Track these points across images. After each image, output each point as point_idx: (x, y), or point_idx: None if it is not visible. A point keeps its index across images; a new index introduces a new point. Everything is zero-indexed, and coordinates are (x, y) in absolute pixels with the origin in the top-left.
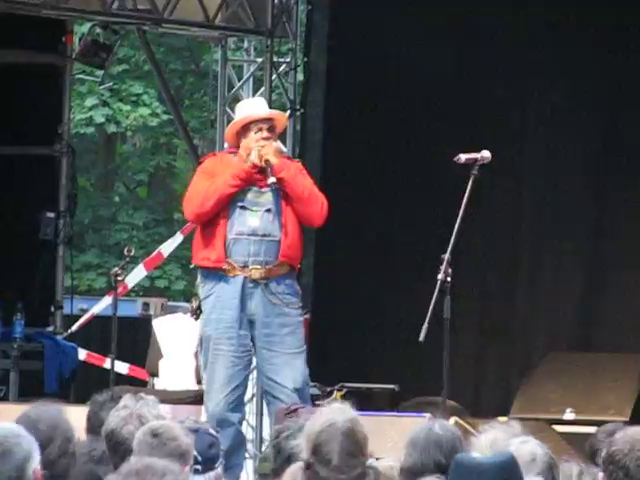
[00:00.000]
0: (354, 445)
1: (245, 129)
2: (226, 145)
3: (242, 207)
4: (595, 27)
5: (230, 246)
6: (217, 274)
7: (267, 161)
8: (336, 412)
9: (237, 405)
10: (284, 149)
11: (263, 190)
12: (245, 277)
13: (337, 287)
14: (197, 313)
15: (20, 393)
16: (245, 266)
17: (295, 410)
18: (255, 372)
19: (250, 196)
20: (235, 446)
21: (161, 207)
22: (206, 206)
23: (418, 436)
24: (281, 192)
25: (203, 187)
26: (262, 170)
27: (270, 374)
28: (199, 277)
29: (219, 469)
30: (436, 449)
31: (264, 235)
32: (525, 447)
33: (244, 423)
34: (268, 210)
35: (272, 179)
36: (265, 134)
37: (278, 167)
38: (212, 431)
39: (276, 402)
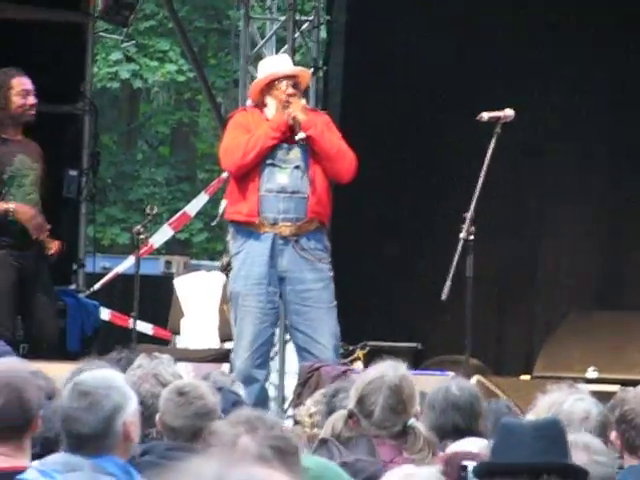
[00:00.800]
0: (398, 402)
1: (269, 86)
2: (249, 102)
3: (271, 164)
4: (595, 27)
5: (261, 202)
6: (248, 230)
7: (294, 118)
8: (388, 367)
9: (262, 362)
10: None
11: (291, 147)
12: (275, 234)
13: (358, 246)
14: (227, 269)
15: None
16: (275, 223)
17: (318, 368)
18: (278, 329)
19: (279, 153)
20: (259, 403)
21: (184, 165)
22: (247, 158)
23: (436, 397)
24: (309, 149)
25: (243, 139)
26: (290, 127)
27: (305, 329)
28: (230, 232)
29: (305, 423)
30: (454, 411)
31: (293, 192)
32: (579, 404)
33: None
34: (297, 167)
35: (301, 134)
36: (290, 90)
37: (306, 124)
38: (236, 389)
39: (310, 357)
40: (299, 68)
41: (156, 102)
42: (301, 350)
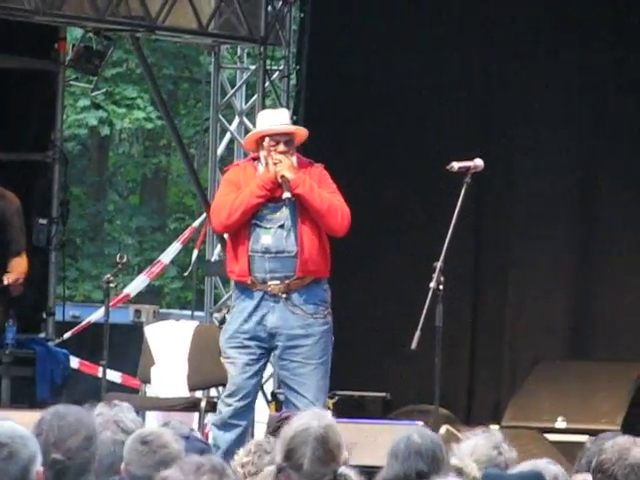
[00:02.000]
0: (326, 452)
1: (263, 139)
2: (219, 151)
3: (255, 224)
4: (595, 26)
5: (250, 263)
6: (243, 287)
7: (283, 177)
8: (312, 417)
9: (244, 412)
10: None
11: (278, 206)
12: (265, 292)
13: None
14: (222, 323)
15: (12, 399)
16: (264, 282)
17: (287, 417)
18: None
19: (265, 213)
20: (230, 451)
21: (155, 214)
22: (233, 218)
23: (398, 446)
24: (298, 206)
25: (230, 198)
26: (278, 185)
27: (292, 384)
28: (232, 286)
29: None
30: (417, 458)
31: (277, 252)
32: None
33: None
34: (281, 226)
35: (287, 194)
36: (281, 148)
37: (294, 182)
38: (202, 438)
39: (296, 410)
40: (294, 127)
41: (124, 150)
42: (289, 404)
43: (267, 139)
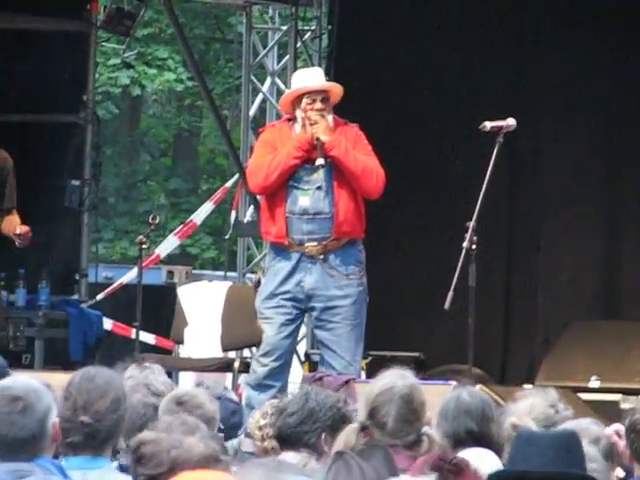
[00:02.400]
0: (411, 411)
1: (299, 100)
2: (252, 111)
3: (293, 186)
4: (593, 36)
5: (287, 224)
6: (279, 249)
7: (318, 139)
8: (396, 376)
9: (280, 372)
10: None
11: (315, 167)
12: (302, 253)
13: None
14: (259, 285)
15: (45, 361)
16: (301, 244)
17: (320, 378)
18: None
19: (302, 174)
20: None
21: (189, 176)
22: (270, 179)
23: (448, 405)
24: (333, 168)
25: (266, 159)
26: (314, 146)
27: (331, 344)
28: (268, 248)
29: (242, 436)
30: (466, 416)
31: (315, 214)
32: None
33: None
34: (319, 187)
35: (320, 161)
36: (318, 105)
37: (329, 145)
38: (235, 398)
39: (334, 372)
40: (329, 83)
41: (154, 111)
42: (326, 364)
43: (304, 98)
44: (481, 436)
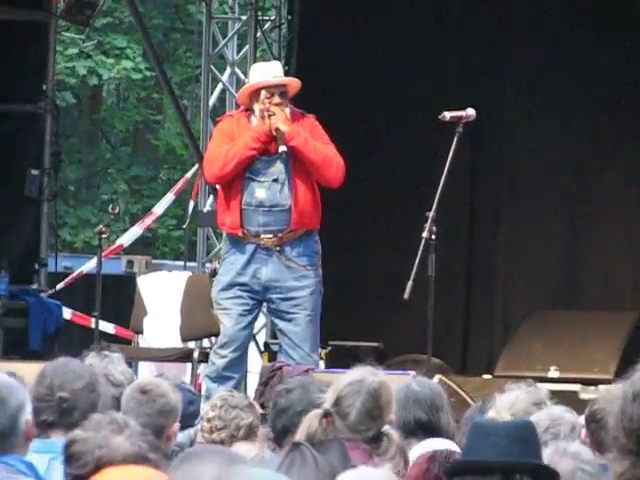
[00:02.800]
0: (376, 406)
1: (257, 93)
2: (211, 101)
3: (250, 178)
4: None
5: (242, 216)
6: (234, 239)
7: (277, 129)
8: (368, 372)
9: (238, 363)
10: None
11: (271, 159)
12: (258, 244)
13: (322, 245)
14: (215, 275)
15: (4, 350)
16: (257, 235)
17: (280, 368)
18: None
19: (258, 167)
20: None
21: (150, 164)
22: (226, 169)
23: (398, 395)
24: (291, 160)
25: (223, 149)
26: (272, 137)
27: (291, 335)
28: (223, 239)
29: (198, 425)
30: (415, 406)
31: (272, 206)
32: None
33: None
34: (275, 180)
35: (282, 147)
36: (276, 100)
37: (288, 135)
38: (192, 388)
39: (292, 362)
40: (288, 78)
41: (113, 100)
42: (285, 354)
43: (263, 91)
44: (430, 426)
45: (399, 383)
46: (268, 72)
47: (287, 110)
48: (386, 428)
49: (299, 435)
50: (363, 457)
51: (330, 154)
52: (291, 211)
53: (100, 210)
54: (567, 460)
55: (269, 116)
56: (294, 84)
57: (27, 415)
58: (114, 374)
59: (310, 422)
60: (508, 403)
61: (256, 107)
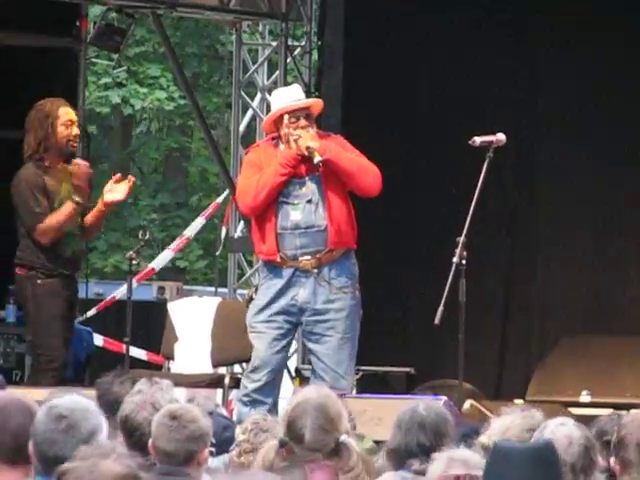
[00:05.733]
0: (327, 420)
1: (281, 119)
2: (242, 127)
3: (284, 202)
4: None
5: (279, 240)
6: (271, 265)
7: (308, 148)
8: (311, 390)
9: (271, 387)
10: None
11: (302, 181)
12: (296, 268)
13: None
14: (249, 302)
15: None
16: (295, 258)
17: None
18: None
19: (290, 190)
20: None
21: (180, 191)
22: (259, 198)
23: (403, 417)
24: (323, 179)
25: (253, 180)
26: (301, 160)
27: (323, 357)
28: (260, 265)
29: (233, 452)
30: (419, 430)
31: (307, 227)
32: (562, 430)
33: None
34: (309, 201)
35: (318, 158)
36: (302, 123)
37: (320, 149)
38: (226, 413)
39: (322, 383)
40: (308, 100)
41: (142, 130)
42: (318, 377)
43: (286, 116)
44: (433, 451)
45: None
46: (289, 96)
47: (312, 130)
48: (343, 438)
49: (255, 466)
50: (327, 476)
51: (365, 163)
52: (327, 231)
53: (130, 235)
54: (458, 466)
55: (294, 140)
56: (316, 105)
57: (103, 437)
58: (161, 402)
59: (265, 454)
60: (501, 428)
61: (283, 132)
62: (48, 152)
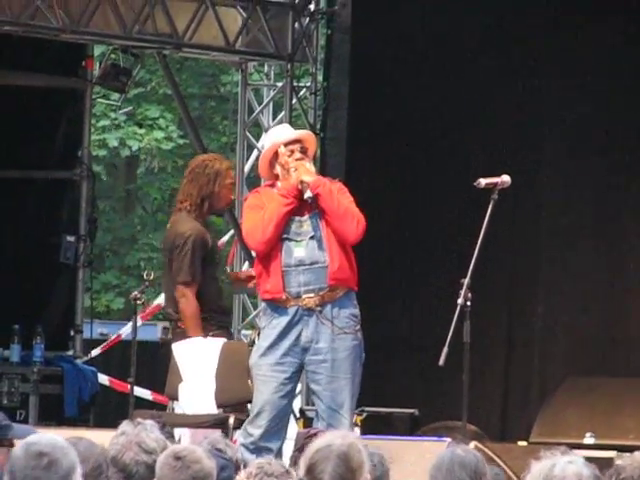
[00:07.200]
0: (348, 469)
1: (276, 157)
2: (247, 168)
3: (286, 239)
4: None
5: (283, 278)
6: (274, 305)
7: (302, 182)
8: (336, 436)
9: (276, 432)
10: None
11: (304, 218)
12: (299, 306)
13: None
14: (252, 345)
15: (39, 417)
16: (299, 296)
17: (315, 434)
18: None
19: (293, 227)
20: None
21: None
22: (267, 233)
23: (442, 459)
24: (321, 216)
25: (259, 217)
26: (300, 191)
27: (325, 399)
28: (262, 308)
29: None
30: (461, 469)
31: (312, 263)
32: (571, 467)
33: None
34: (312, 237)
35: (308, 194)
36: (298, 155)
37: (314, 184)
38: (228, 451)
39: (327, 426)
40: (302, 132)
41: (142, 170)
42: (320, 418)
43: (281, 149)
44: None
45: (433, 450)
46: (279, 133)
47: (309, 165)
48: None
49: None
50: None
51: (352, 208)
52: (329, 268)
53: (123, 274)
54: None
55: (289, 170)
56: (310, 138)
57: (78, 476)
58: (146, 441)
59: None
60: (539, 471)
61: (279, 170)
62: (205, 209)
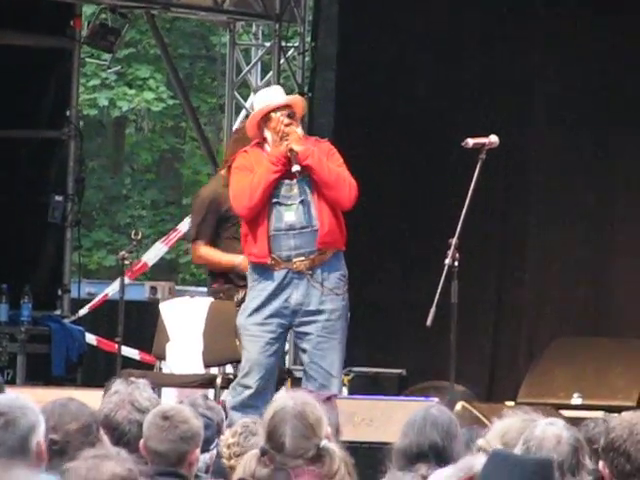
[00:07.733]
0: (306, 427)
1: (266, 119)
2: (235, 126)
3: (277, 203)
4: (584, 45)
5: (272, 242)
6: (261, 268)
7: (291, 150)
8: (287, 398)
9: (264, 391)
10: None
11: (293, 182)
12: (289, 270)
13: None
14: (239, 304)
15: (27, 377)
16: (289, 259)
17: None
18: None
19: (283, 190)
20: None
21: (171, 190)
22: (255, 198)
23: (415, 417)
24: (311, 181)
25: (246, 181)
26: (289, 159)
27: (316, 358)
28: (248, 270)
29: (214, 451)
30: (432, 429)
31: (302, 227)
32: (550, 429)
33: None
34: (302, 202)
35: (296, 167)
36: (286, 120)
37: (302, 154)
38: (208, 413)
39: (317, 385)
40: (292, 97)
41: (132, 131)
42: (310, 378)
43: (272, 114)
44: (444, 451)
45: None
46: (271, 96)
47: (299, 130)
48: (324, 443)
49: (236, 475)
50: (313, 478)
51: (343, 175)
52: (319, 231)
53: (115, 232)
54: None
55: (281, 138)
56: (299, 102)
57: (39, 437)
58: (139, 400)
59: (247, 464)
60: (501, 430)
61: (267, 134)
62: None
